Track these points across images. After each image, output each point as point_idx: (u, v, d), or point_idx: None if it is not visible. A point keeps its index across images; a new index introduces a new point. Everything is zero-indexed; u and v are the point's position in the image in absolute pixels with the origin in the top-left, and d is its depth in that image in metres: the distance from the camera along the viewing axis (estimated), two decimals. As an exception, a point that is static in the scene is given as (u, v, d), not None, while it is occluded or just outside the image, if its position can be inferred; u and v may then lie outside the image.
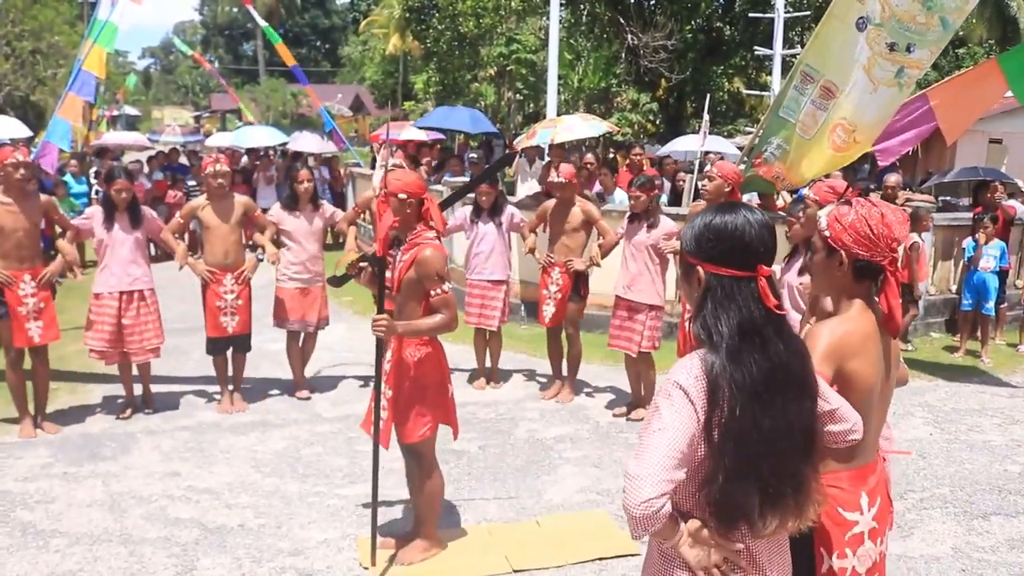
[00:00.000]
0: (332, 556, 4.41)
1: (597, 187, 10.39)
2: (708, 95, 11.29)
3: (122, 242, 6.31)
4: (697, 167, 10.53)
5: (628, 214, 6.77)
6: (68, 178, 13.47)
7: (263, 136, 19.43)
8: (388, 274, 4.19)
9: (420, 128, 16.85)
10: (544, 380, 7.62)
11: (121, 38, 10.05)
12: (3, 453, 5.77)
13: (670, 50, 18.64)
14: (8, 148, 5.99)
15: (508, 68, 20.48)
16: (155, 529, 4.73)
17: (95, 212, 6.42)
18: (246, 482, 5.39)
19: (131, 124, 43.32)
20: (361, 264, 4.40)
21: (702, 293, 2.09)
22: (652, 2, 20.57)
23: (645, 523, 1.93)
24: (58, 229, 6.46)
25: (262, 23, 15.24)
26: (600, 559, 4.45)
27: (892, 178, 9.37)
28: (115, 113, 31.54)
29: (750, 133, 12.91)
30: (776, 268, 5.02)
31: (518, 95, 21.64)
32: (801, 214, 4.79)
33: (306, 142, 18.12)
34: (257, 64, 55.86)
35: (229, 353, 6.82)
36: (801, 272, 4.87)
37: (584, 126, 11.24)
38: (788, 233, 5.12)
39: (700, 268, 2.09)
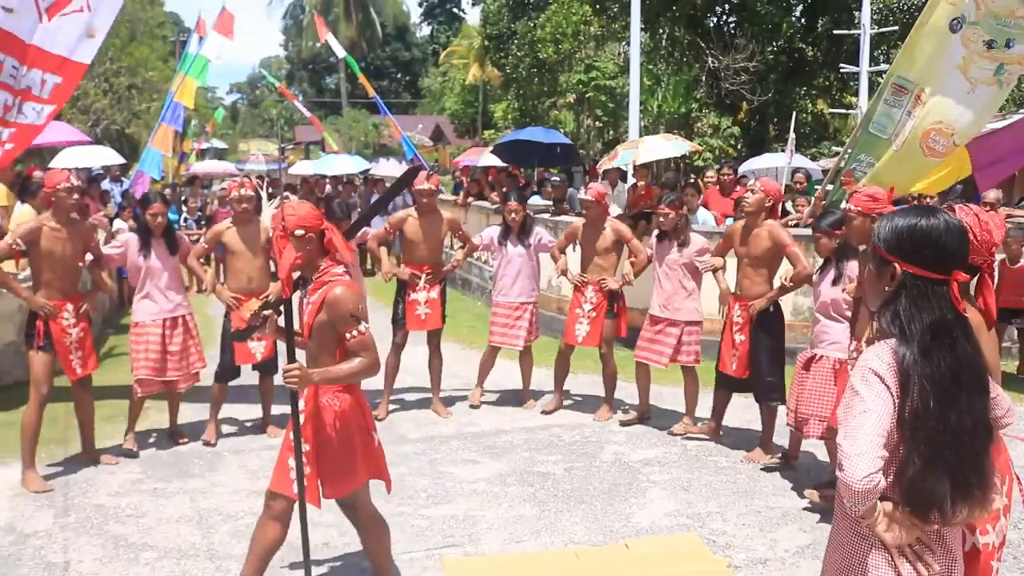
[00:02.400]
0: (417, 575, 4.35)
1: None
2: (794, 112, 11.07)
3: (161, 269, 6.23)
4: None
5: (656, 233, 6.66)
6: (160, 206, 13.84)
7: (345, 164, 19.82)
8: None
9: (495, 152, 16.91)
10: (628, 404, 7.46)
11: (210, 73, 10.36)
12: (97, 468, 5.89)
13: (751, 72, 18.42)
14: (63, 172, 5.84)
15: (587, 95, 20.45)
16: (241, 546, 4.73)
17: (130, 240, 6.31)
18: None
19: (219, 156, 44.63)
20: (264, 313, 3.93)
21: (896, 288, 2.22)
22: (732, 24, 20.40)
23: (865, 496, 2.08)
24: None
25: (341, 53, 15.48)
26: (692, 585, 4.29)
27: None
28: (204, 146, 32.57)
29: (835, 155, 12.61)
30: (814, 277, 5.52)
31: (597, 122, 21.58)
32: (843, 228, 5.06)
33: (389, 167, 18.41)
34: (340, 96, 57.12)
35: (257, 377, 6.71)
36: (834, 283, 5.24)
37: (667, 146, 11.16)
38: (815, 247, 5.50)
39: (897, 265, 2.21)
